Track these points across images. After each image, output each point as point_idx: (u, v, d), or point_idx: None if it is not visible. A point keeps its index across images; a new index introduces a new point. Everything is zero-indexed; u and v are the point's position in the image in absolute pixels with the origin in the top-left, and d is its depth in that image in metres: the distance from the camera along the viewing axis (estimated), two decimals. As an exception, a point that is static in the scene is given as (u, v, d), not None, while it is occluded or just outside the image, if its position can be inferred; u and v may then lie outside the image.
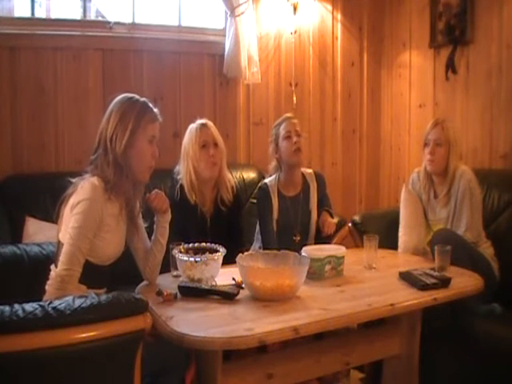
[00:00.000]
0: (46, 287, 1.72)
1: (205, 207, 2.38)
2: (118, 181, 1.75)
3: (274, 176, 2.67)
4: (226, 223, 2.40)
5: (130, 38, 3.09)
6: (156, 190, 1.92)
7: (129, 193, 1.82)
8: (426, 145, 2.54)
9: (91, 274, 1.72)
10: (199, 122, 2.39)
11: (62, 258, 1.65)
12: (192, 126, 2.38)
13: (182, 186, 2.36)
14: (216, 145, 2.34)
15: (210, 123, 2.39)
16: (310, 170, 2.71)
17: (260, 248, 2.56)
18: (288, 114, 2.68)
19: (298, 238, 2.58)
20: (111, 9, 3.49)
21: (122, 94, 1.84)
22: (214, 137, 2.35)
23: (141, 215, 1.93)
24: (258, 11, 3.39)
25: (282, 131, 2.58)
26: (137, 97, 1.84)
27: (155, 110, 1.85)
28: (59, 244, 1.73)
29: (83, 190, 1.69)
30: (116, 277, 1.85)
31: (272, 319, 1.58)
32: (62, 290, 1.61)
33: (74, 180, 1.77)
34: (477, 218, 2.41)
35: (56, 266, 1.70)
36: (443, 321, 2.17)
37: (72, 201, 1.71)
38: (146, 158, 1.82)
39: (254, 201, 2.93)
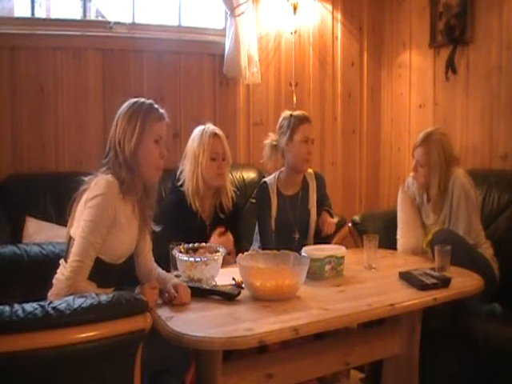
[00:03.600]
0: (54, 281, 1.73)
1: (204, 213, 2.37)
2: (130, 181, 1.76)
3: (273, 174, 2.67)
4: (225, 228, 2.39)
5: (130, 38, 3.09)
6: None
7: (141, 193, 1.83)
8: (413, 156, 2.57)
9: (102, 273, 1.72)
10: (211, 128, 2.36)
11: (74, 249, 1.65)
12: (204, 132, 2.34)
13: (183, 192, 2.34)
14: (224, 159, 2.35)
15: (222, 134, 2.38)
16: (310, 170, 2.70)
17: (259, 248, 2.56)
18: (307, 115, 2.61)
19: (298, 236, 2.58)
20: (111, 9, 3.49)
21: (129, 101, 1.84)
22: (224, 150, 2.35)
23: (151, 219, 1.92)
24: (258, 11, 3.39)
25: (302, 133, 2.52)
26: (142, 99, 1.85)
27: (161, 110, 1.86)
28: (70, 239, 1.72)
29: (97, 186, 1.70)
30: (123, 277, 1.86)
31: (272, 319, 1.58)
32: (72, 280, 1.61)
33: (86, 178, 1.77)
34: (475, 220, 2.40)
35: (66, 261, 1.70)
36: (443, 321, 2.17)
37: (85, 196, 1.71)
38: (153, 157, 1.82)
39: (254, 201, 2.93)
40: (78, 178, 1.79)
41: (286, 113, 2.63)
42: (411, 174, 2.68)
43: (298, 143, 2.54)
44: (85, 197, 1.72)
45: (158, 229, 1.94)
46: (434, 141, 2.48)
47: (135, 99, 1.85)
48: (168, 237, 2.07)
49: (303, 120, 2.56)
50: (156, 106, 1.85)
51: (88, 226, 1.66)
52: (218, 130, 2.37)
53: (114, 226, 1.72)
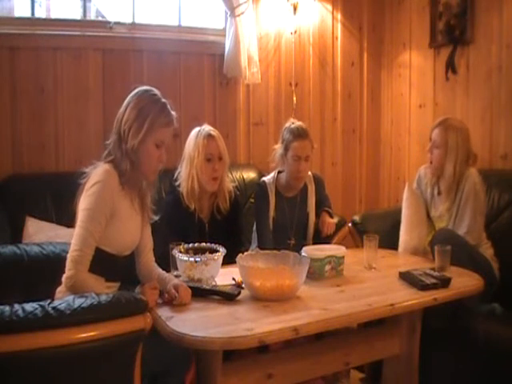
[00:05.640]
0: (62, 279, 1.72)
1: (202, 213, 2.38)
2: (131, 173, 1.76)
3: (272, 174, 2.66)
4: (224, 227, 2.38)
5: (130, 38, 3.09)
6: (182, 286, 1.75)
7: (141, 185, 1.84)
8: (430, 139, 2.55)
9: (109, 265, 1.72)
10: (206, 129, 2.34)
11: (73, 240, 1.65)
12: (199, 134, 2.33)
13: (180, 192, 2.34)
14: (220, 159, 2.33)
15: (218, 134, 2.36)
16: (309, 173, 2.69)
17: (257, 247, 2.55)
18: (303, 129, 2.54)
19: (293, 242, 2.57)
20: (111, 9, 3.49)
21: (145, 87, 1.83)
22: (219, 150, 2.33)
23: (151, 211, 1.92)
24: (258, 11, 3.39)
25: (293, 150, 2.49)
26: (159, 95, 1.83)
27: (172, 112, 1.83)
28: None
29: (95, 175, 1.71)
30: (130, 272, 1.86)
31: (272, 319, 1.58)
32: (74, 270, 1.60)
33: (87, 169, 1.77)
34: (479, 221, 2.39)
35: None
36: (443, 321, 2.17)
37: (86, 187, 1.71)
38: (152, 160, 1.81)
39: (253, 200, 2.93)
40: (78, 175, 1.78)
41: (289, 122, 2.60)
42: (423, 166, 2.67)
43: (290, 160, 2.52)
44: (85, 188, 1.72)
45: (156, 218, 1.94)
46: (452, 124, 2.49)
47: (153, 91, 1.82)
48: (167, 237, 2.07)
49: (297, 136, 2.50)
50: (169, 107, 1.82)
51: (86, 214, 1.65)
52: (212, 131, 2.35)
53: (113, 217, 1.71)
